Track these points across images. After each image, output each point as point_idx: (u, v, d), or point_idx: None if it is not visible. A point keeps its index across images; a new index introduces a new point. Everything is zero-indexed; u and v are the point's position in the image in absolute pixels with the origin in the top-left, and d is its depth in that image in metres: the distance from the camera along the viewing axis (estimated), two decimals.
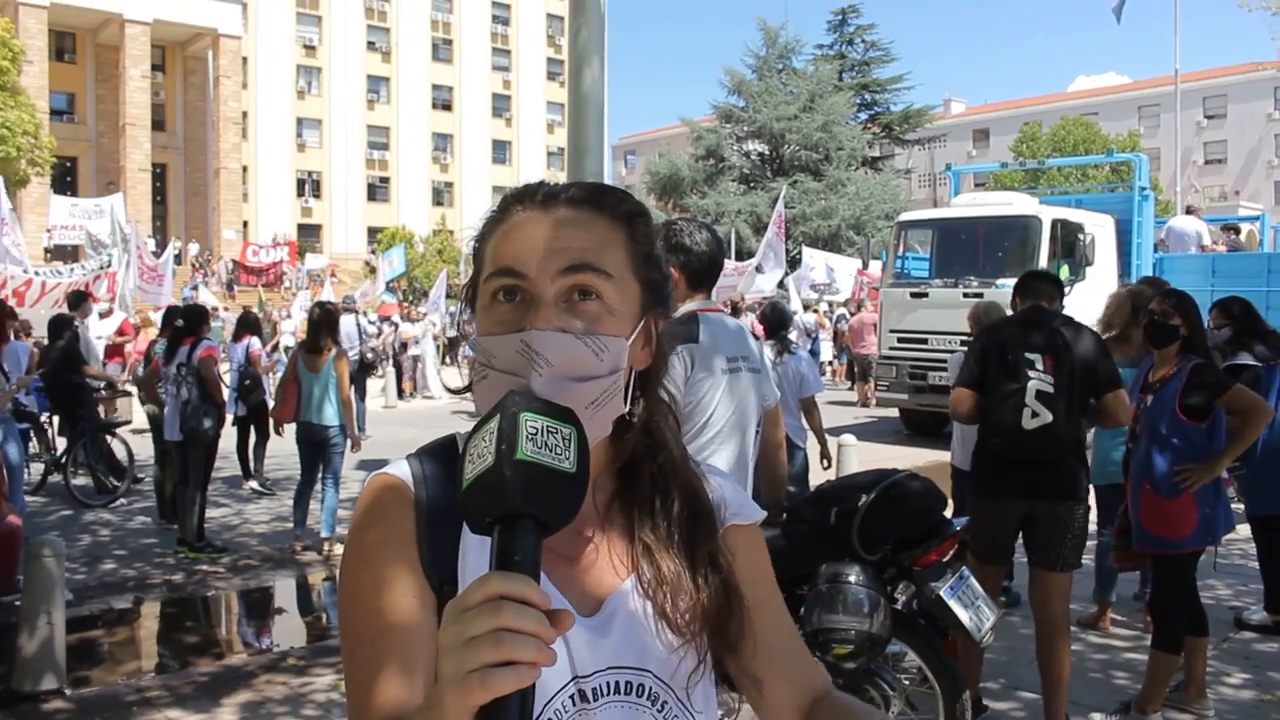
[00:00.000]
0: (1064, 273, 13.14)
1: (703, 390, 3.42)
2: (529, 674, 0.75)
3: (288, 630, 6.96)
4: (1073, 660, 5.36)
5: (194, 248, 44.78)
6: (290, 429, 8.40)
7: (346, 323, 13.92)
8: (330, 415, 7.97)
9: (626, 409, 1.07)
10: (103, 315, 14.01)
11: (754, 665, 1.13)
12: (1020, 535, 4.44)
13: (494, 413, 0.84)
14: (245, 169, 50.83)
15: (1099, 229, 13.76)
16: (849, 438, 8.89)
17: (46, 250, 30.97)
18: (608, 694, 1.03)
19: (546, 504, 0.82)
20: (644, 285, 1.09)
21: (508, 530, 0.81)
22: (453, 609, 0.78)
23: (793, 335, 9.14)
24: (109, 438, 10.34)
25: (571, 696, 1.01)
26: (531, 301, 1.02)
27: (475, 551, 1.03)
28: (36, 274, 14.08)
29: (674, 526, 1.10)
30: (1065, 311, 4.62)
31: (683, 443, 1.16)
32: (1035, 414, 4.24)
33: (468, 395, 1.07)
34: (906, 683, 3.90)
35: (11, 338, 8.39)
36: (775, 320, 7.49)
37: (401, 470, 1.09)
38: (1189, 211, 17.79)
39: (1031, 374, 4.27)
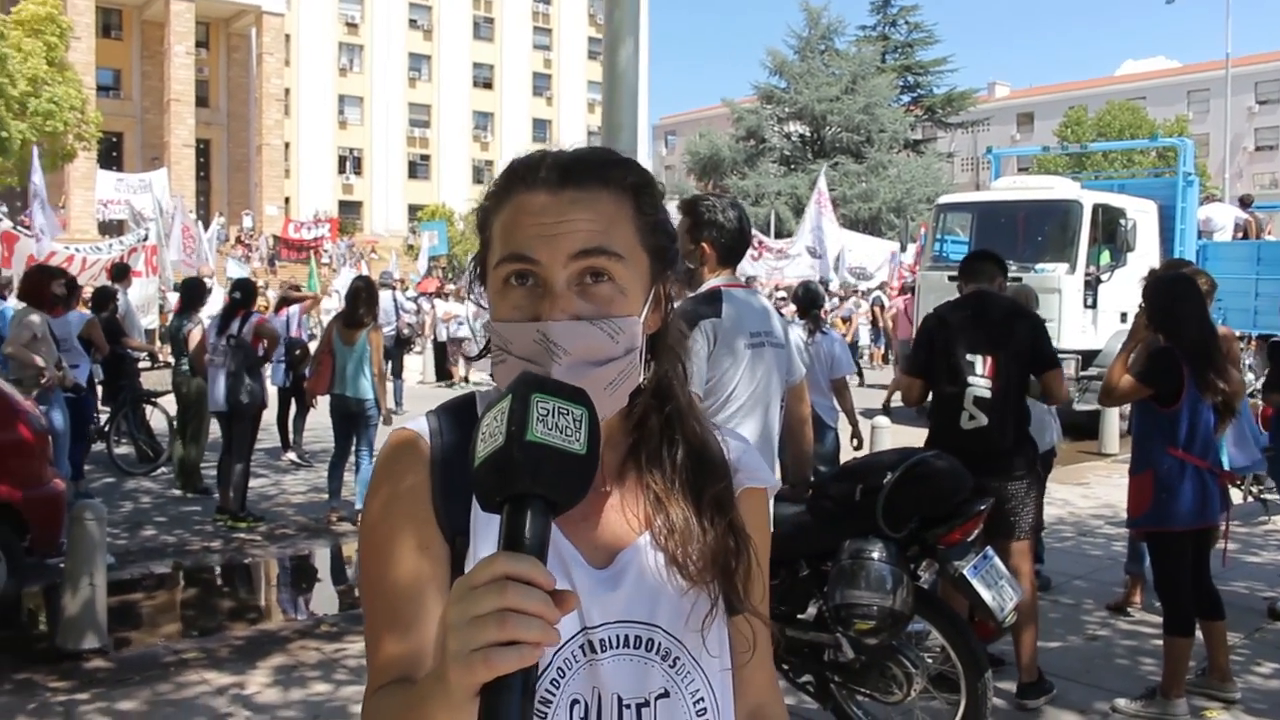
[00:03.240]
0: (1105, 258, 12.98)
1: (724, 366, 3.44)
2: (532, 653, 0.78)
3: (322, 597, 7.10)
4: (1100, 645, 5.36)
5: (247, 221, 45.22)
6: (324, 401, 8.50)
7: (384, 299, 13.99)
8: (364, 388, 8.03)
9: (642, 380, 1.08)
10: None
11: (764, 608, 1.14)
12: None
13: (506, 392, 0.86)
14: (287, 145, 51.21)
15: (1141, 214, 13.54)
16: (882, 419, 8.86)
17: (101, 224, 31.41)
18: (616, 646, 1.05)
19: (555, 485, 0.84)
20: (652, 255, 1.09)
21: (517, 510, 0.83)
22: (459, 587, 0.80)
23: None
24: (149, 407, 10.50)
25: (581, 646, 1.04)
26: (544, 287, 1.02)
27: None
28: (77, 251, 14.34)
29: (678, 471, 1.11)
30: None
31: (689, 390, 1.17)
32: (972, 417, 4.45)
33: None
34: (929, 661, 3.91)
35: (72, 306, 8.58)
36: (807, 300, 7.49)
37: (419, 425, 1.12)
38: (1243, 203, 17.43)
39: (971, 379, 4.45)
